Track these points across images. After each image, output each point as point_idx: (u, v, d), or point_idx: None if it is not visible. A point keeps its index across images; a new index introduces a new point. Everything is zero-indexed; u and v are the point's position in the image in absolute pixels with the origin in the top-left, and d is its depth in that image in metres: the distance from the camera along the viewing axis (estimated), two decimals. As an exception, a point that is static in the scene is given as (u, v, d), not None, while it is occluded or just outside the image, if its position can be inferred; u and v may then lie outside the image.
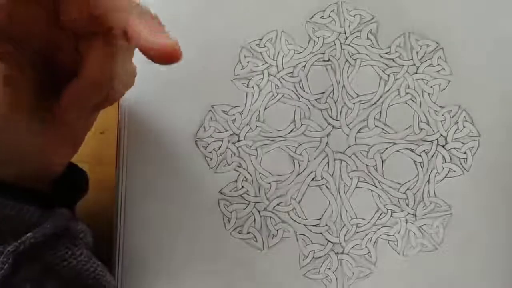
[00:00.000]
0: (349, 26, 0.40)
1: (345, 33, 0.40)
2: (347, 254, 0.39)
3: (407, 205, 0.39)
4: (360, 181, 0.39)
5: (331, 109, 0.39)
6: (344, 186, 0.39)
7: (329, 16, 0.40)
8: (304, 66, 0.40)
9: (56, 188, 0.34)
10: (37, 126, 0.30)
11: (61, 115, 0.29)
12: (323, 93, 0.39)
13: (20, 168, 0.31)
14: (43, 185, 0.33)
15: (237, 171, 0.39)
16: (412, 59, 0.40)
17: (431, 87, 0.39)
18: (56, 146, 0.32)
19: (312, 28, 0.40)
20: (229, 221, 0.39)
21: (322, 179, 0.39)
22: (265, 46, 0.40)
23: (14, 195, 0.30)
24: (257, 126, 0.39)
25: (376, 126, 0.39)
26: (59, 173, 0.33)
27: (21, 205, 0.30)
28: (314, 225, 0.39)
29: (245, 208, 0.39)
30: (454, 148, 0.39)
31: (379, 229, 0.39)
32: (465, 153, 0.39)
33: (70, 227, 0.31)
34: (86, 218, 0.34)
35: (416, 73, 0.40)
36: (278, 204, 0.39)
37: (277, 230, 0.39)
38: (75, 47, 0.28)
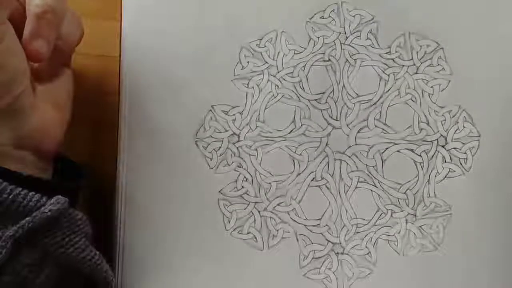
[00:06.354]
0: (349, 26, 0.40)
1: (345, 33, 0.40)
2: (347, 254, 0.39)
3: (407, 205, 0.39)
4: (360, 181, 0.39)
5: (331, 109, 0.39)
6: (344, 186, 0.39)
7: (329, 16, 0.40)
8: (304, 66, 0.40)
9: (56, 178, 0.35)
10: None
11: (29, 51, 0.32)
12: (323, 93, 0.39)
13: (17, 132, 0.32)
14: (41, 164, 0.34)
15: (237, 171, 0.39)
16: (412, 59, 0.40)
17: (431, 87, 0.39)
18: (43, 106, 0.34)
19: (312, 28, 0.40)
20: (229, 221, 0.39)
21: (322, 179, 0.39)
22: (265, 46, 0.40)
23: (14, 181, 0.30)
24: (257, 126, 0.39)
25: (376, 126, 0.39)
26: (53, 145, 0.34)
27: (20, 190, 0.30)
28: (314, 225, 0.39)
29: (245, 208, 0.39)
30: (454, 148, 0.39)
31: (379, 229, 0.39)
32: (465, 153, 0.39)
33: (68, 214, 0.32)
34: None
35: (416, 73, 0.39)
36: (278, 204, 0.39)
37: (277, 230, 0.39)
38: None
